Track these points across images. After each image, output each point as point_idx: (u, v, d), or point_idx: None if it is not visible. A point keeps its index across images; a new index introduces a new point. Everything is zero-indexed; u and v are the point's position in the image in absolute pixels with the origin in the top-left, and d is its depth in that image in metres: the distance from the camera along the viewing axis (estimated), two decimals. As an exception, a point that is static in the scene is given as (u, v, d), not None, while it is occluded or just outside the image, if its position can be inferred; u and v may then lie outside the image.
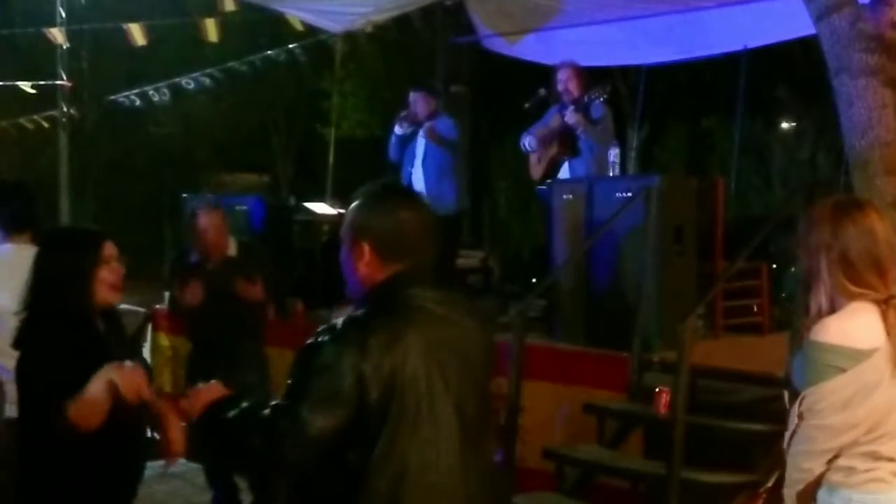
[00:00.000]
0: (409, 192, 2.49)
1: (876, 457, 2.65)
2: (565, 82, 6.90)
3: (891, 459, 2.67)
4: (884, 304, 2.55)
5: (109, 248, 3.05)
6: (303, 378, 2.19)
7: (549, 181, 6.78)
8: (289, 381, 2.23)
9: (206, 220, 5.34)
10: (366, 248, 2.30)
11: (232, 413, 2.27)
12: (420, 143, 7.45)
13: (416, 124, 7.52)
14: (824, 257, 2.57)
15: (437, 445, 2.21)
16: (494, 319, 5.83)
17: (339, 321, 2.24)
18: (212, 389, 2.41)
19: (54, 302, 2.93)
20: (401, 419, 2.17)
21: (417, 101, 7.53)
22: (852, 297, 2.56)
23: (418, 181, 7.37)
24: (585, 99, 6.77)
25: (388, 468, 2.17)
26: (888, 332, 2.53)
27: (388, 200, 2.34)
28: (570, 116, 6.71)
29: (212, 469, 5.50)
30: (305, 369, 2.20)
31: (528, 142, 7.09)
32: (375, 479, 2.17)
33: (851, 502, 2.72)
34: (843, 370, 2.53)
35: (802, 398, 2.65)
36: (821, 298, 2.60)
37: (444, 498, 2.23)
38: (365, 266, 2.30)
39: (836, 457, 2.70)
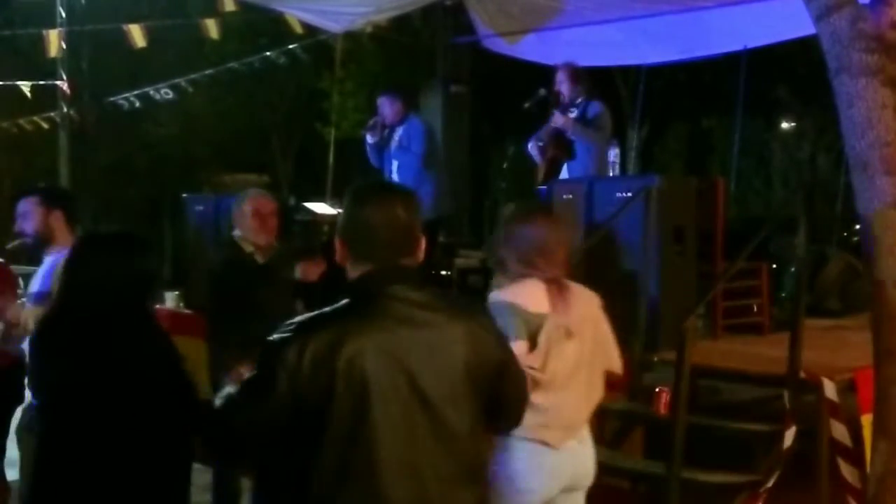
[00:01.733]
0: (385, 191, 2.42)
1: (537, 409, 2.96)
2: (559, 84, 6.89)
3: (547, 410, 3.05)
4: (548, 282, 3.20)
5: None
6: (250, 375, 2.27)
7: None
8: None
9: (270, 205, 5.02)
10: (339, 244, 2.34)
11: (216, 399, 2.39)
12: (393, 151, 7.45)
13: (388, 128, 7.50)
14: (506, 248, 3.27)
15: (389, 448, 2.17)
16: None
17: (301, 317, 2.28)
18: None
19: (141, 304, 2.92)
20: (342, 422, 2.15)
21: (384, 106, 7.48)
22: (523, 276, 3.22)
23: None
24: (577, 102, 6.75)
25: (327, 471, 2.15)
26: (552, 305, 3.16)
27: (361, 199, 2.34)
28: (558, 119, 6.72)
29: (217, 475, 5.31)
30: (256, 363, 2.26)
31: (533, 149, 7.10)
32: (316, 482, 2.16)
33: (517, 451, 3.08)
34: (527, 325, 3.11)
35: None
36: (501, 277, 3.30)
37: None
38: (342, 262, 2.34)
39: None
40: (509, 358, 2.42)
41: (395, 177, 7.41)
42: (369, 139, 7.57)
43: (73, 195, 4.72)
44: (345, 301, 2.28)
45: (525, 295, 3.15)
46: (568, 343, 3.15)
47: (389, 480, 2.17)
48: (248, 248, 5.07)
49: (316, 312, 2.27)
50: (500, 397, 2.39)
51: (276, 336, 2.23)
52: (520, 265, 3.22)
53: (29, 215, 4.30)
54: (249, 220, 5.00)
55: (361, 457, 2.16)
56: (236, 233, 5.11)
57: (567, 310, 3.18)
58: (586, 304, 3.33)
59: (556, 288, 3.21)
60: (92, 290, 2.82)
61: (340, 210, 2.43)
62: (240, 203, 5.08)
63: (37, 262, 4.48)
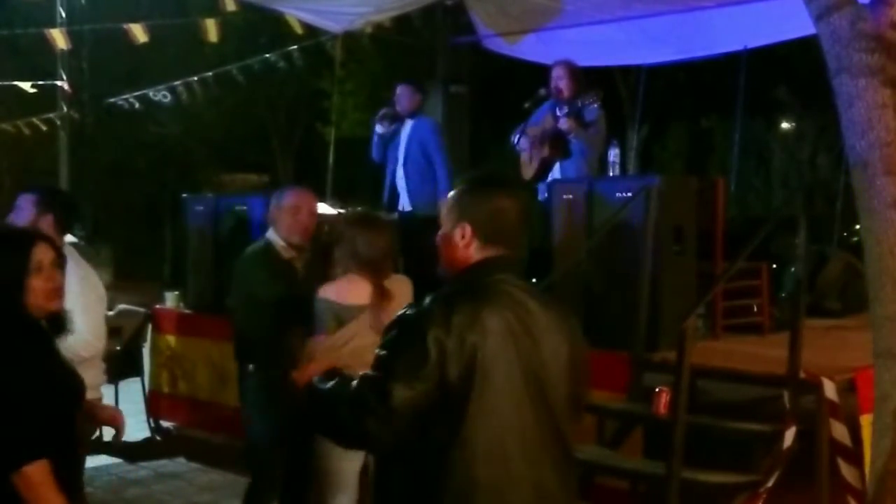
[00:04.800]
0: (509, 182, 2.51)
1: None
2: (556, 80, 6.88)
3: None
4: (371, 279, 3.91)
5: (41, 253, 2.73)
6: (389, 351, 2.26)
7: (541, 182, 6.82)
8: (377, 352, 2.28)
9: (313, 204, 4.69)
10: (468, 229, 2.38)
11: (329, 384, 2.36)
12: (402, 145, 7.42)
13: (398, 121, 7.48)
14: (341, 248, 4.00)
15: (514, 428, 2.26)
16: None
17: (432, 295, 2.32)
18: (321, 362, 2.60)
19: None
20: (482, 398, 2.21)
21: (403, 95, 7.45)
22: (350, 273, 3.96)
23: (401, 181, 7.35)
24: (579, 104, 6.75)
25: (468, 446, 2.21)
26: (372, 298, 3.83)
27: (491, 187, 2.43)
28: (564, 122, 6.70)
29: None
30: (392, 342, 2.27)
31: (521, 141, 7.08)
32: (456, 457, 2.21)
33: None
34: (337, 318, 3.79)
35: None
36: (337, 271, 4.00)
37: (516, 483, 2.26)
38: (464, 248, 2.39)
39: None
40: (588, 357, 2.51)
41: (400, 170, 7.38)
42: (379, 129, 7.53)
43: (73, 202, 4.66)
44: (465, 282, 2.35)
45: (345, 290, 3.88)
46: (372, 335, 3.47)
47: (517, 460, 2.25)
48: (284, 252, 4.64)
49: (440, 292, 2.31)
50: (579, 391, 2.47)
51: (411, 311, 2.28)
52: (351, 264, 3.95)
53: (21, 212, 4.27)
54: (284, 216, 4.63)
55: (504, 436, 2.24)
56: (269, 233, 4.72)
57: (386, 303, 3.81)
58: (403, 295, 3.91)
59: (378, 284, 3.89)
60: None
61: (460, 198, 2.43)
62: (278, 197, 4.72)
63: None
